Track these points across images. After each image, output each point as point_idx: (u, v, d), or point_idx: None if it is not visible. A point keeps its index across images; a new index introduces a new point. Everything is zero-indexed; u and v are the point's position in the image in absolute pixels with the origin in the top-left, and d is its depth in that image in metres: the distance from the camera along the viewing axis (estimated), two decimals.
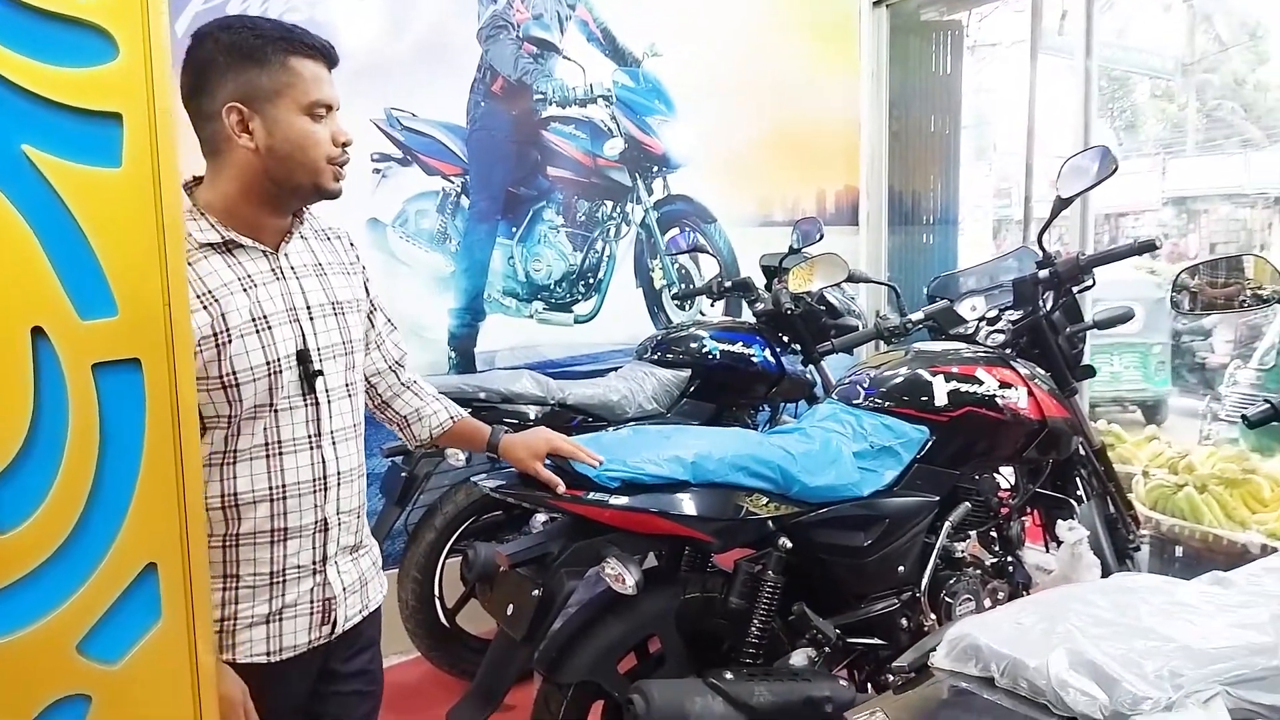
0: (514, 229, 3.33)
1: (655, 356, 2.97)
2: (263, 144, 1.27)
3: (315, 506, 1.37)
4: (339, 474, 1.40)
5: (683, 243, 3.54)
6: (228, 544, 1.32)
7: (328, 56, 1.33)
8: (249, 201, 1.31)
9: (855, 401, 2.06)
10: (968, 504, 2.06)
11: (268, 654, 1.34)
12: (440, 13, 3.14)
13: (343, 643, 1.44)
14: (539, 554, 1.71)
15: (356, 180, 3.00)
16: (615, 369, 3.09)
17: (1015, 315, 2.22)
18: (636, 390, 2.82)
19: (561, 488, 1.64)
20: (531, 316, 3.39)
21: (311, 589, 1.37)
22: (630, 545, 1.72)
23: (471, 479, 2.14)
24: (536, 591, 1.66)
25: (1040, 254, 2.20)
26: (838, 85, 4.05)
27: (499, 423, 2.64)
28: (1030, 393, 2.05)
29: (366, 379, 1.59)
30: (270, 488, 1.32)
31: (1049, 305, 2.20)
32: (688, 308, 3.66)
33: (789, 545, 1.82)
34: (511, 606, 1.70)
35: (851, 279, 2.59)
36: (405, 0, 3.09)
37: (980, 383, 2.01)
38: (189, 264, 1.20)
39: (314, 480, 1.36)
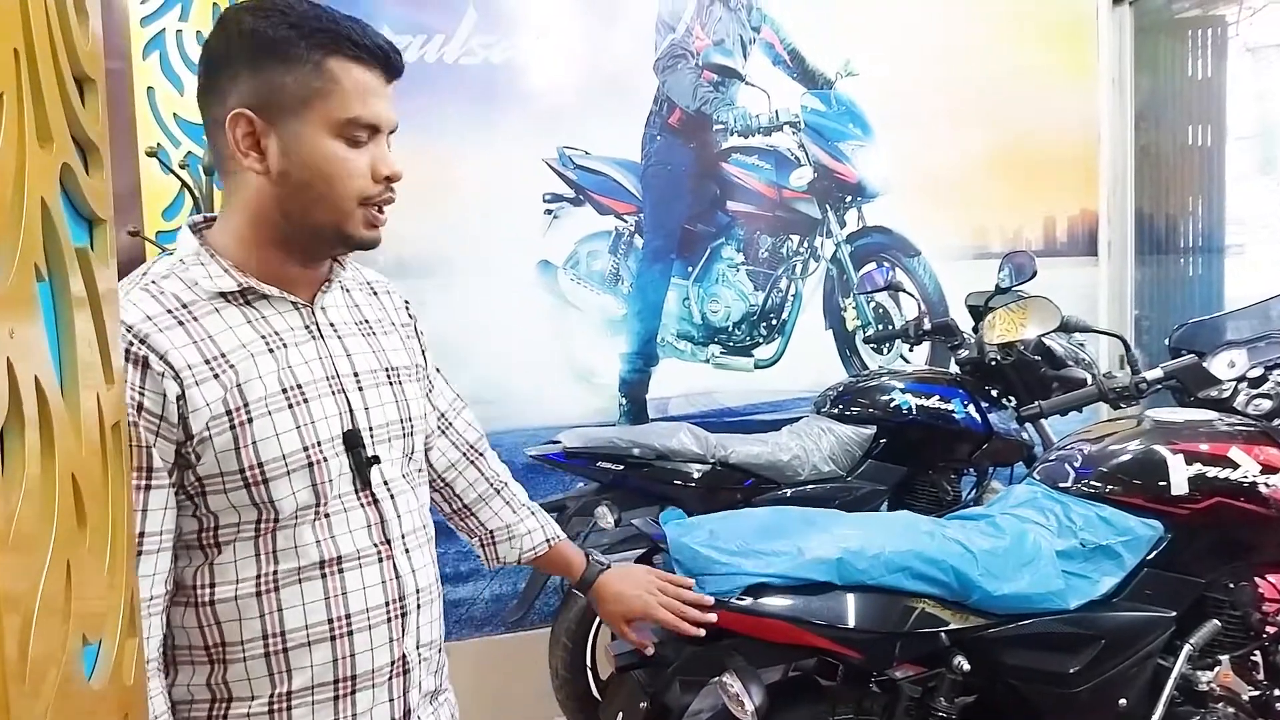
0: (690, 268, 3.11)
1: (836, 410, 2.64)
2: (275, 166, 0.98)
3: (390, 640, 1.05)
4: (417, 592, 1.08)
5: (879, 279, 3.16)
6: (275, 710, 1.00)
7: (386, 63, 1.02)
8: (262, 243, 1.02)
9: (1063, 484, 1.66)
10: (1217, 622, 1.59)
11: None
12: (616, 46, 3.02)
13: None
14: (652, 657, 1.47)
15: (528, 222, 2.93)
16: (799, 419, 2.79)
17: None
18: (811, 449, 2.51)
19: (650, 650, 1.37)
20: (708, 361, 3.15)
21: None
22: (761, 655, 1.44)
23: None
24: (644, 704, 1.42)
25: None
26: (1071, 95, 3.52)
27: (660, 481, 2.46)
28: None
29: (438, 477, 1.29)
30: (331, 619, 1.01)
31: None
32: (885, 352, 3.29)
33: (966, 666, 1.47)
34: (621, 716, 1.47)
35: (1065, 328, 2.15)
36: (581, 36, 2.99)
37: (1235, 465, 1.55)
38: (195, 319, 0.98)
39: (387, 604, 1.05)
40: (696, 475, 2.42)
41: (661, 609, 1.33)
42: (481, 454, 1.33)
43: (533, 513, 1.36)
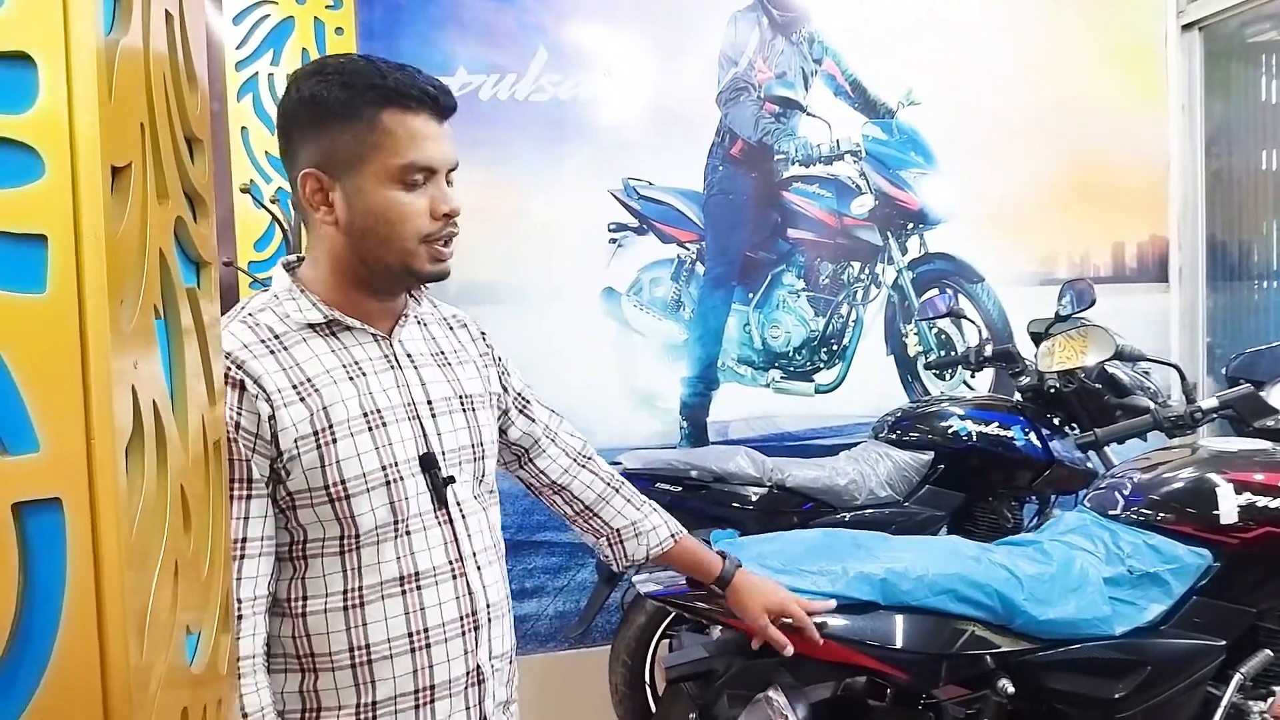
0: (750, 294, 3.18)
1: (894, 436, 2.66)
2: (343, 218, 1.07)
3: (466, 653, 1.13)
4: (489, 606, 1.16)
5: (941, 305, 3.18)
6: (362, 718, 1.07)
7: (436, 106, 1.08)
8: (343, 283, 1.12)
9: (1112, 512, 1.67)
10: (1270, 652, 1.58)
11: None
12: (680, 81, 3.11)
13: None
14: (703, 669, 1.53)
15: (593, 251, 3.04)
16: (858, 444, 2.82)
17: None
18: (868, 473, 2.54)
19: (789, 650, 1.39)
20: (768, 385, 3.20)
21: None
22: (809, 672, 1.49)
23: (630, 578, 1.88)
24: (693, 715, 1.48)
25: None
26: (1139, 121, 3.49)
27: (718, 504, 2.52)
28: None
29: (553, 483, 1.37)
30: (411, 633, 1.08)
31: None
32: (948, 378, 3.29)
33: (1010, 689, 1.49)
34: None
35: (1120, 356, 2.15)
36: (646, 72, 3.10)
37: None
38: (285, 348, 1.08)
39: (461, 618, 1.12)
40: (754, 498, 2.47)
41: (796, 604, 1.39)
42: (590, 458, 1.40)
43: (655, 509, 1.42)
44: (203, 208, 0.89)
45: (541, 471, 1.36)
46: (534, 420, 1.35)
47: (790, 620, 1.40)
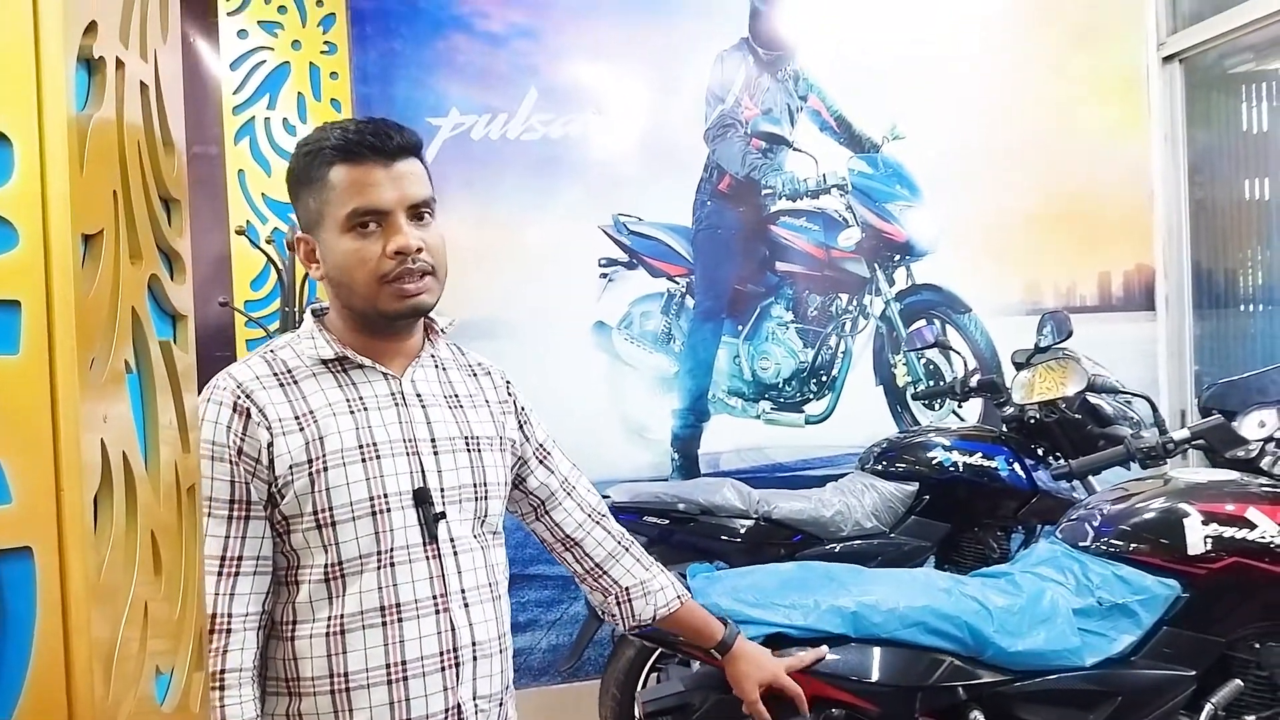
0: (740, 327, 3.23)
1: (880, 467, 2.69)
2: (326, 273, 1.16)
3: (445, 689, 1.12)
4: (473, 645, 1.16)
5: (928, 336, 3.22)
6: None
7: (381, 150, 1.13)
8: (350, 328, 1.19)
9: (1083, 543, 1.70)
10: (1240, 682, 1.60)
11: None
12: (668, 119, 3.18)
13: None
14: (679, 704, 1.56)
15: (584, 285, 3.09)
16: (846, 474, 2.85)
17: None
18: (854, 505, 2.56)
19: None
20: (759, 417, 3.24)
21: None
22: (783, 705, 1.51)
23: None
24: None
25: None
26: (1123, 151, 3.54)
27: (706, 536, 2.55)
28: None
29: (567, 537, 1.38)
30: (388, 664, 1.10)
31: None
32: (937, 408, 3.32)
33: None
34: None
35: (1092, 388, 2.18)
36: (634, 111, 3.17)
37: (1252, 525, 1.58)
38: (295, 382, 1.15)
39: (441, 654, 1.13)
40: (742, 530, 2.49)
41: (788, 679, 1.41)
42: (605, 515, 1.41)
43: (662, 570, 1.43)
44: (179, 264, 0.94)
45: (557, 525, 1.38)
46: (553, 472, 1.37)
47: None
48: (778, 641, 1.48)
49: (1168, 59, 3.49)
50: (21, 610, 0.81)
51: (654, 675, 2.57)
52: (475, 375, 1.31)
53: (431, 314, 1.24)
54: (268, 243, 2.64)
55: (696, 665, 1.64)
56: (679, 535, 2.47)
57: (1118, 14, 3.52)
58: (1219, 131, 3.54)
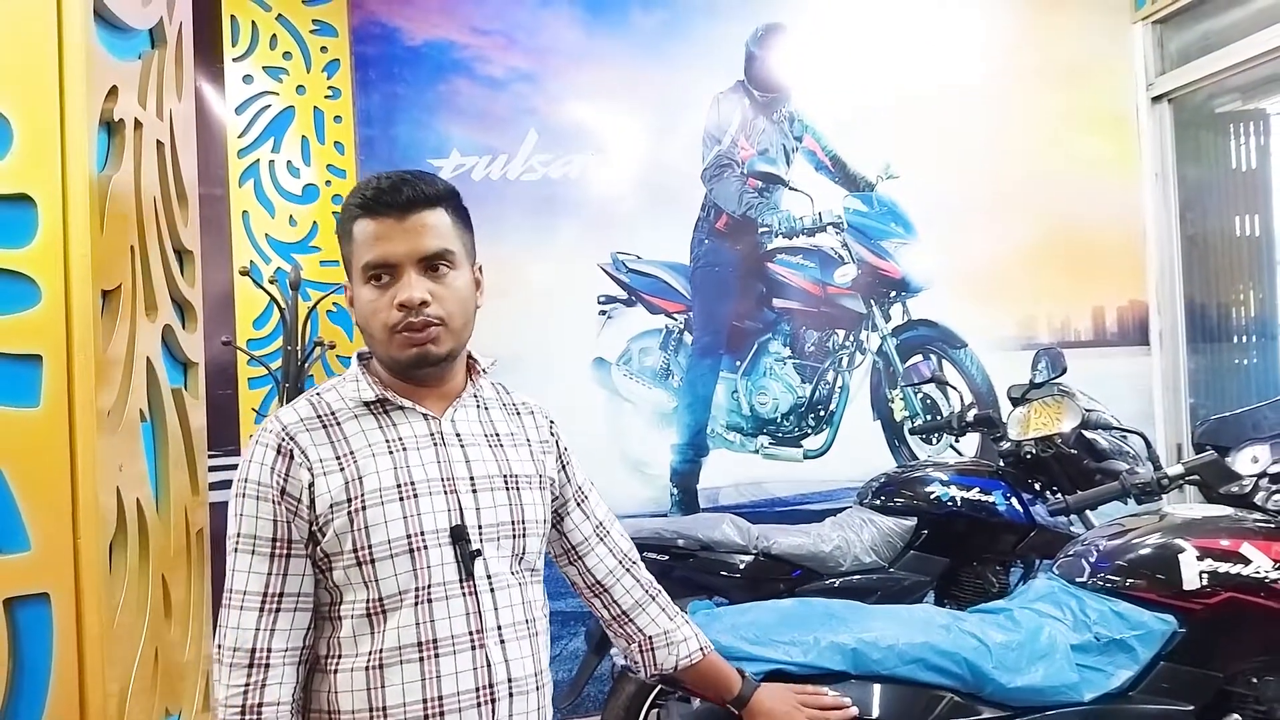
0: (738, 362, 3.26)
1: (878, 502, 2.70)
2: (355, 319, 1.23)
3: None
4: (509, 681, 1.17)
5: (924, 371, 3.25)
6: None
7: (392, 204, 1.16)
8: (389, 371, 1.23)
9: (1079, 579, 1.71)
10: (1238, 716, 1.61)
11: None
12: (666, 159, 3.24)
13: None
14: None
15: (583, 322, 3.12)
16: (845, 509, 2.86)
17: None
18: (852, 540, 2.57)
19: None
20: (757, 451, 3.26)
21: None
22: None
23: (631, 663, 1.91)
24: None
25: None
26: (1115, 189, 3.60)
27: (706, 572, 2.55)
28: None
29: (597, 583, 1.40)
30: (425, 699, 1.11)
31: None
32: (934, 442, 3.34)
33: None
34: None
35: (1086, 425, 2.20)
36: (633, 151, 3.22)
37: (1246, 561, 1.59)
38: (338, 424, 1.18)
39: (477, 690, 1.14)
40: (741, 566, 2.50)
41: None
42: (635, 562, 1.43)
43: (686, 621, 1.44)
44: (191, 313, 0.97)
45: (589, 570, 1.40)
46: (588, 517, 1.40)
47: None
48: (777, 679, 1.49)
49: (1157, 99, 3.56)
50: (39, 654, 0.84)
51: (654, 712, 2.57)
52: (519, 414, 1.33)
53: (473, 354, 1.30)
54: (271, 282, 2.67)
55: (697, 702, 1.64)
56: (679, 571, 2.47)
57: (1107, 55, 3.59)
58: (1209, 169, 3.60)
